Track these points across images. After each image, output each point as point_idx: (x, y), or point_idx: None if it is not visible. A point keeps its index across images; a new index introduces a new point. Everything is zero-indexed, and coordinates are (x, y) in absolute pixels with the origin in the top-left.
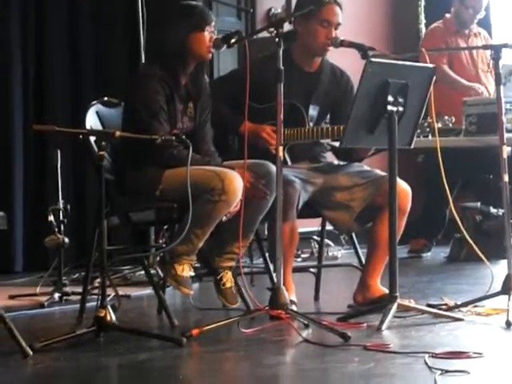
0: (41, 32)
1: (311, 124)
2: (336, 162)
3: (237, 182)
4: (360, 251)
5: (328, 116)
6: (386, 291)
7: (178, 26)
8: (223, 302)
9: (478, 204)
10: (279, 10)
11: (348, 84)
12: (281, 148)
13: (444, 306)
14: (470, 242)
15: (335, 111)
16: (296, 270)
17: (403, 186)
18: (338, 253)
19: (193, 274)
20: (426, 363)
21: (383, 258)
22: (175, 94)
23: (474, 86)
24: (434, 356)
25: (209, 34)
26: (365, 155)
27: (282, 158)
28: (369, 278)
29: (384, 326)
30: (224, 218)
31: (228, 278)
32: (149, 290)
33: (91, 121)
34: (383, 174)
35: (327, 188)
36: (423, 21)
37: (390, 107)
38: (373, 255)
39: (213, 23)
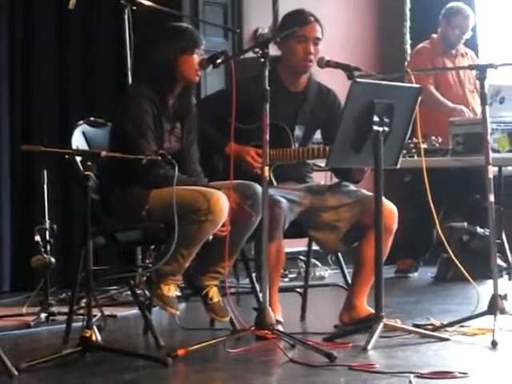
0: (28, 52)
1: (297, 144)
2: (322, 181)
3: (223, 202)
4: (346, 271)
5: (315, 135)
6: (372, 311)
7: (167, 48)
8: (213, 317)
9: (465, 224)
10: (266, 31)
11: (335, 101)
12: (267, 168)
13: (430, 326)
14: (457, 262)
15: (324, 130)
16: (282, 289)
17: (389, 205)
18: (325, 273)
19: (179, 294)
20: (412, 383)
21: (369, 278)
22: (162, 114)
23: (457, 108)
24: (420, 376)
25: (198, 57)
26: (361, 177)
27: (267, 179)
28: (355, 297)
29: (370, 346)
30: (210, 238)
31: (214, 293)
32: (135, 310)
33: (77, 141)
34: (369, 193)
35: (314, 208)
36: (408, 41)
37: (375, 127)
38: (359, 275)
39: (202, 46)
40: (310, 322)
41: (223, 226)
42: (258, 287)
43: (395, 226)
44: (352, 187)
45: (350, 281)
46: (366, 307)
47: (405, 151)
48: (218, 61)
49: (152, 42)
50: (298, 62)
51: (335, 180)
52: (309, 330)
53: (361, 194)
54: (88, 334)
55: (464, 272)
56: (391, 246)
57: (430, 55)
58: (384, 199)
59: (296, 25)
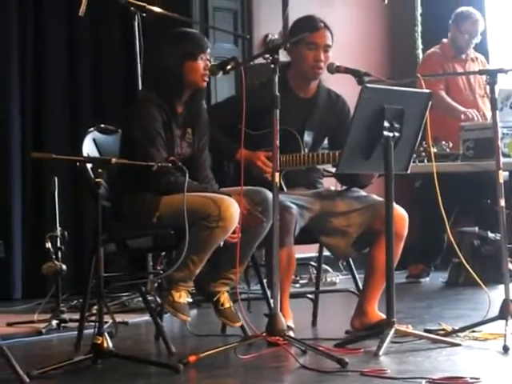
0: (39, 59)
1: (306, 150)
2: (333, 187)
3: (233, 209)
4: (357, 277)
5: (325, 141)
6: (384, 317)
7: (171, 54)
8: (225, 323)
9: (476, 229)
10: (276, 36)
11: (344, 108)
12: (277, 174)
13: (442, 331)
14: (468, 267)
15: (333, 136)
16: (293, 295)
17: (400, 211)
18: (336, 278)
19: (190, 300)
20: None
21: (381, 284)
22: (172, 120)
23: (467, 111)
24: (432, 381)
25: (203, 62)
26: (368, 181)
27: (278, 185)
28: (366, 303)
29: (381, 352)
30: (221, 244)
31: (225, 299)
32: (146, 317)
33: (88, 148)
34: (380, 199)
35: (324, 214)
36: (420, 46)
37: (385, 133)
38: (370, 281)
39: (208, 50)
40: (321, 327)
41: (234, 232)
42: (269, 293)
43: (406, 232)
44: (362, 192)
45: (361, 286)
46: (377, 313)
47: (415, 156)
48: (228, 67)
49: (157, 48)
50: (307, 68)
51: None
52: (320, 336)
53: (371, 199)
54: (99, 341)
55: (475, 277)
56: (402, 251)
57: (440, 60)
58: (394, 204)
59: (306, 31)
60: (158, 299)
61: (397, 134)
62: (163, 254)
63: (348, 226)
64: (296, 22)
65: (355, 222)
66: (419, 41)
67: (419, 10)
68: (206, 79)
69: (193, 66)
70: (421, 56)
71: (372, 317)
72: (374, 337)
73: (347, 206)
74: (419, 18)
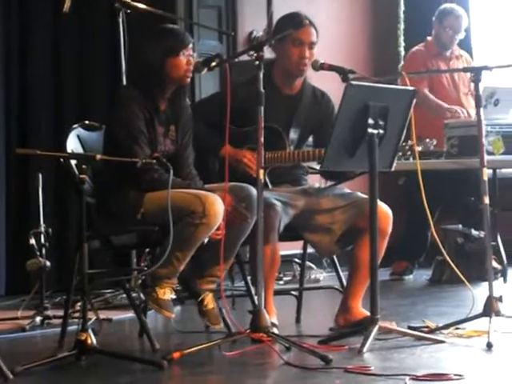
0: (24, 55)
1: (292, 147)
2: (317, 184)
3: (218, 205)
4: (341, 274)
5: (310, 138)
6: (368, 314)
7: (153, 51)
8: (206, 323)
9: (460, 226)
10: (260, 33)
11: (329, 105)
12: (261, 171)
13: (425, 329)
14: (452, 264)
15: (317, 133)
16: (277, 292)
17: (384, 208)
18: (320, 275)
19: (174, 297)
20: None
21: (364, 281)
22: (155, 117)
23: (452, 108)
24: (415, 378)
25: (185, 58)
26: (353, 175)
27: (262, 181)
28: (350, 300)
29: (365, 349)
30: (205, 241)
31: (209, 300)
32: (130, 314)
33: (72, 144)
34: (364, 196)
35: (308, 211)
36: (402, 44)
37: (370, 130)
38: (354, 278)
39: (190, 46)
40: (305, 324)
41: (218, 229)
42: (253, 290)
43: (390, 229)
44: (346, 190)
45: (345, 283)
46: (361, 310)
47: (400, 153)
48: (213, 64)
49: (140, 45)
50: (292, 65)
51: (329, 182)
52: (304, 333)
53: (356, 196)
54: (83, 338)
55: (459, 274)
56: (386, 248)
57: (423, 58)
58: (379, 202)
59: (291, 27)
60: (142, 296)
61: (381, 132)
62: (147, 250)
63: (332, 223)
64: (281, 18)
65: (339, 219)
66: (402, 38)
67: (402, 8)
68: (189, 75)
69: (175, 62)
70: (403, 54)
71: (356, 314)
72: (357, 334)
73: (331, 203)
74: (402, 16)
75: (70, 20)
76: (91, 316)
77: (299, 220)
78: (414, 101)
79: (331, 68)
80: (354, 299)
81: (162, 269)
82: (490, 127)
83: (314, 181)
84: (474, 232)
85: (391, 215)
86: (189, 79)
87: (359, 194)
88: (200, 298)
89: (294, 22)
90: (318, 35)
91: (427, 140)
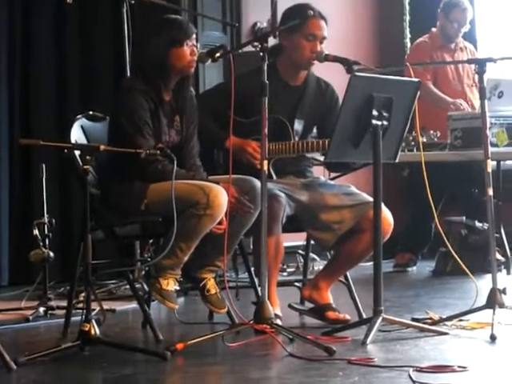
0: (27, 46)
1: (297, 138)
2: (323, 178)
3: (222, 197)
4: None
5: (314, 129)
6: (331, 301)
7: (156, 42)
8: (211, 309)
9: (464, 218)
10: (265, 24)
11: (333, 96)
12: (265, 162)
13: (429, 320)
14: (455, 256)
15: (321, 124)
16: (281, 284)
17: (388, 216)
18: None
19: (178, 288)
20: (411, 377)
21: (343, 272)
22: (159, 108)
23: (456, 102)
24: (419, 370)
25: (189, 48)
26: (355, 167)
27: (266, 173)
28: (323, 281)
29: (369, 340)
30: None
31: (211, 285)
32: (134, 304)
33: (76, 135)
34: (371, 199)
35: (313, 206)
36: (408, 35)
37: (374, 121)
38: (336, 265)
39: (193, 36)
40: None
41: (220, 223)
42: (256, 281)
43: (388, 236)
44: (354, 189)
45: (348, 276)
46: (328, 295)
47: (403, 145)
48: (217, 55)
49: (143, 36)
50: (302, 59)
51: (333, 174)
52: (307, 325)
53: (363, 198)
54: (87, 328)
55: (463, 266)
56: (389, 239)
57: (428, 50)
58: (384, 208)
59: (301, 18)
60: (146, 287)
61: (385, 123)
62: (151, 241)
63: (337, 222)
64: (289, 9)
65: (345, 219)
66: (407, 30)
67: None
68: (193, 65)
69: (178, 52)
70: (409, 45)
71: (322, 295)
72: (361, 325)
73: (337, 201)
74: (407, 7)
75: (74, 10)
76: (95, 307)
77: (302, 214)
78: (418, 92)
79: (336, 59)
80: (327, 283)
81: (165, 260)
82: (494, 119)
83: (319, 173)
84: (478, 224)
85: (392, 223)
86: (192, 69)
87: (365, 195)
88: (202, 284)
89: (304, 13)
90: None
91: (431, 132)
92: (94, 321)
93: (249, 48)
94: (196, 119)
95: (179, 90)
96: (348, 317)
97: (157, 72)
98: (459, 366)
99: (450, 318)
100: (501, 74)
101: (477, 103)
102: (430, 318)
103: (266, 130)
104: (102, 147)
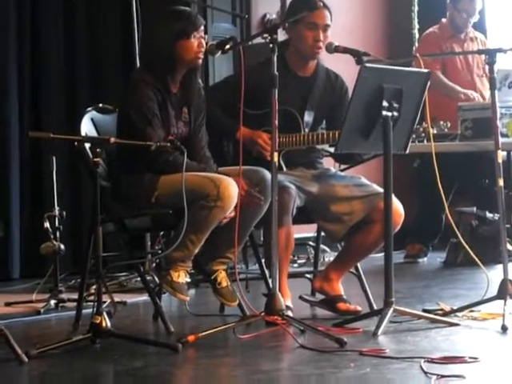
0: (36, 39)
1: (307, 130)
2: (333, 169)
3: (232, 188)
4: None
5: (324, 121)
6: (342, 293)
7: (164, 33)
8: (222, 302)
9: (474, 209)
10: (274, 16)
11: (342, 87)
12: (276, 154)
13: (440, 311)
14: (466, 247)
15: (330, 116)
16: (292, 275)
17: (398, 207)
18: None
19: (189, 280)
20: (422, 368)
21: (354, 263)
22: (167, 99)
23: (467, 92)
24: (430, 361)
25: (196, 40)
26: (365, 158)
27: (276, 164)
28: (333, 272)
29: (380, 332)
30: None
31: (222, 278)
32: (145, 297)
33: (86, 127)
34: (381, 190)
35: (322, 197)
36: (416, 26)
37: (384, 112)
38: (347, 256)
39: (201, 28)
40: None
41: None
42: (267, 273)
43: (398, 227)
44: (365, 180)
45: (359, 267)
46: (339, 286)
47: (414, 135)
48: (227, 47)
49: (151, 28)
50: (307, 48)
51: (343, 166)
52: (318, 316)
53: (373, 189)
54: (98, 321)
55: (473, 257)
56: (399, 230)
57: (437, 40)
58: (395, 199)
59: (305, 10)
60: (157, 279)
61: (395, 114)
62: (162, 233)
63: (348, 213)
64: (295, 0)
65: (355, 210)
66: (416, 21)
67: None
68: (201, 57)
69: (186, 44)
70: (417, 36)
71: (333, 287)
72: (372, 316)
73: (348, 192)
74: None
75: (82, 4)
76: (106, 299)
77: (313, 205)
78: (428, 83)
79: (345, 50)
80: (338, 274)
81: (176, 252)
82: (505, 109)
83: (329, 164)
84: (489, 214)
85: (403, 214)
86: (200, 61)
87: (376, 186)
88: (213, 277)
89: (308, 4)
90: (331, 18)
91: (441, 122)
92: (105, 313)
93: (258, 40)
94: (204, 111)
95: (187, 82)
96: (359, 308)
97: (164, 64)
98: (470, 357)
99: (461, 309)
100: (511, 64)
101: (487, 93)
102: (441, 309)
103: (277, 122)
104: (113, 140)
